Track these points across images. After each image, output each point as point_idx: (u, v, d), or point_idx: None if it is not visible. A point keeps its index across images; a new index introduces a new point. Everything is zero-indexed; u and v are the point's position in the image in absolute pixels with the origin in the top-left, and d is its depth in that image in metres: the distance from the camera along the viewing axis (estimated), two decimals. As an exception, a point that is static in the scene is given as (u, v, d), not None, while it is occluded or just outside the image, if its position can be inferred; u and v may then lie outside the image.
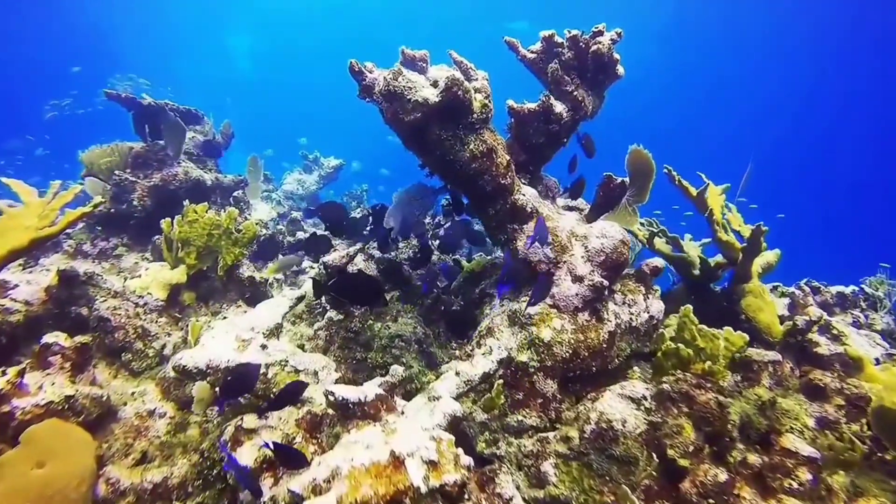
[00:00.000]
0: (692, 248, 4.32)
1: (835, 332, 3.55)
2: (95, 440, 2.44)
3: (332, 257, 2.97)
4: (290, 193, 8.24)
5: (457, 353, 3.14)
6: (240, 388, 2.27)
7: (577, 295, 2.92)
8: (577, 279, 2.95)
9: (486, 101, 2.77)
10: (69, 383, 2.56)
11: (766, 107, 36.62)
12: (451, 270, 3.73)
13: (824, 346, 3.35)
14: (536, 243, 2.98)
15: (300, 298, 2.89)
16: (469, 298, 3.53)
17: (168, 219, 3.58)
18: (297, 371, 2.58)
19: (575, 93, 3.18)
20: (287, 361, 2.59)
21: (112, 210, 4.52)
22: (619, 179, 3.32)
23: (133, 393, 2.94)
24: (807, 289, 4.07)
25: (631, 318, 3.13)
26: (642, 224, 4.03)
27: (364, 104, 2.80)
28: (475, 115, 2.74)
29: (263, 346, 2.62)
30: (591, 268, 3.01)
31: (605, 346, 2.92)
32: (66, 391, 2.47)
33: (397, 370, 2.63)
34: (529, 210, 3.03)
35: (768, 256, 3.58)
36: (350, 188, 9.22)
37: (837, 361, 3.26)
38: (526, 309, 2.87)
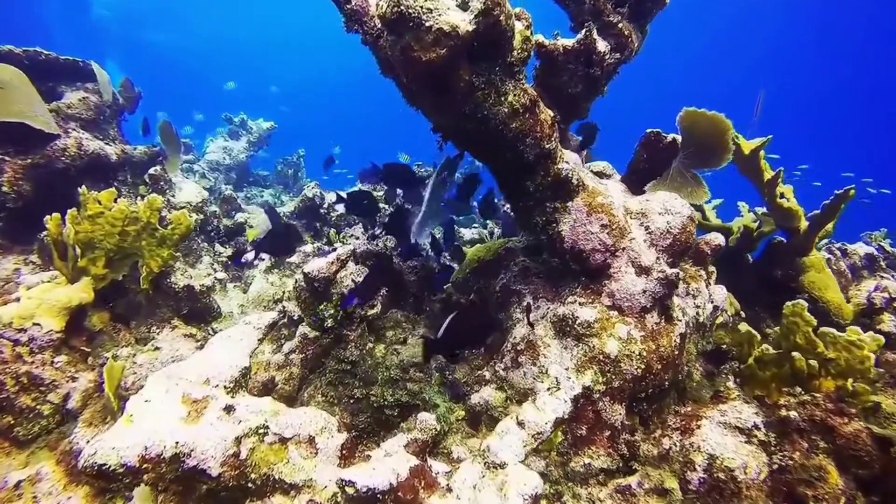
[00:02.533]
0: (712, 215, 3.79)
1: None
2: None
3: (316, 265, 2.10)
4: (215, 164, 7.01)
5: (485, 373, 2.40)
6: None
7: (644, 292, 2.24)
8: (643, 270, 2.26)
9: (528, 34, 1.95)
10: None
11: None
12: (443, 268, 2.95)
13: (888, 323, 2.91)
14: (588, 227, 2.25)
15: (272, 325, 2.02)
16: (483, 296, 2.77)
17: (56, 214, 2.50)
18: (283, 441, 1.73)
19: (620, 25, 2.42)
20: (267, 427, 1.74)
21: (-29, 201, 3.30)
22: (670, 137, 2.64)
23: (19, 481, 1.97)
24: (838, 253, 3.65)
25: (697, 313, 2.51)
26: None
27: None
28: (515, 53, 1.92)
29: (228, 408, 1.74)
30: (656, 254, 2.33)
31: (677, 353, 2.29)
32: None
33: (427, 421, 1.85)
34: (575, 182, 2.28)
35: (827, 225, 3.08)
36: (284, 154, 8.08)
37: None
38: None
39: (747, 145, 2.88)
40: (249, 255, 3.83)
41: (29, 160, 3.51)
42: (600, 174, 2.90)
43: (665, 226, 2.34)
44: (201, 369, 1.85)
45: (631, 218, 2.39)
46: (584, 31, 2.34)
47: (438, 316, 2.73)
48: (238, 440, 1.67)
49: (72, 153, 3.63)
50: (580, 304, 2.30)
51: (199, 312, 2.87)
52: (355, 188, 5.07)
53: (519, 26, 1.94)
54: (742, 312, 3.12)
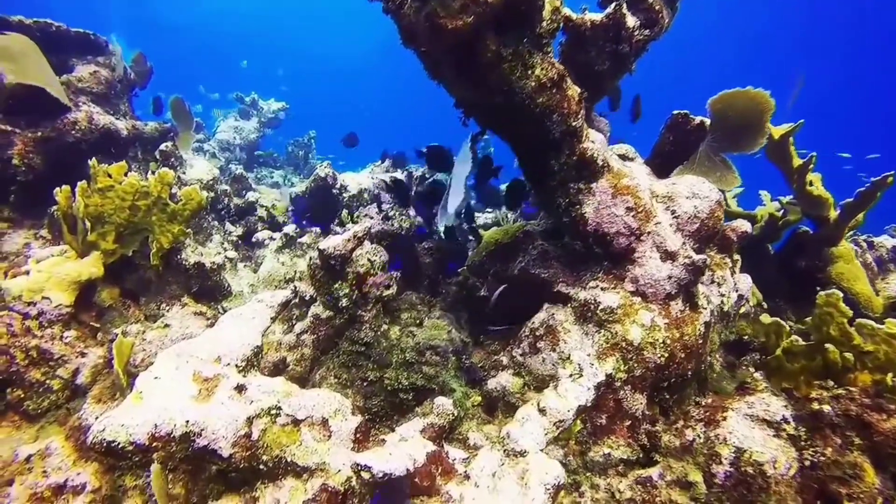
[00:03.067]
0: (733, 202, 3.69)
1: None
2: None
3: (332, 242, 2.03)
4: (226, 143, 6.96)
5: (502, 358, 2.34)
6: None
7: (668, 278, 2.15)
8: (668, 256, 2.18)
9: (558, 4, 1.86)
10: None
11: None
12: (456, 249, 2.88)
13: (917, 318, 2.80)
14: (613, 209, 2.17)
15: (285, 304, 1.95)
16: (500, 280, 2.70)
17: (66, 186, 2.45)
18: (295, 422, 1.68)
19: (651, 0, 2.31)
20: (279, 408, 1.68)
21: (-19, 173, 3.26)
22: (698, 119, 2.53)
23: (29, 456, 1.94)
24: (864, 244, 3.54)
25: (722, 302, 2.42)
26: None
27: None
28: (545, 25, 1.83)
29: (240, 388, 1.69)
30: (681, 239, 2.24)
31: (701, 342, 2.21)
32: None
33: (445, 406, 1.79)
34: (601, 163, 2.19)
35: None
36: (295, 135, 8.01)
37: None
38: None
39: (777, 130, 2.77)
40: (260, 235, 3.78)
41: (39, 133, 3.46)
42: (623, 157, 2.80)
43: (692, 210, 2.25)
44: (212, 347, 1.79)
45: (657, 201, 2.30)
46: (613, 6, 2.23)
47: (455, 299, 2.66)
48: (250, 420, 1.62)
49: (83, 127, 3.57)
50: (602, 289, 2.22)
51: (210, 290, 2.81)
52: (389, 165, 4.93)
53: (548, -5, 1.84)
54: (764, 303, 3.03)
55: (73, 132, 3.54)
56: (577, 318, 2.21)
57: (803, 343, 2.04)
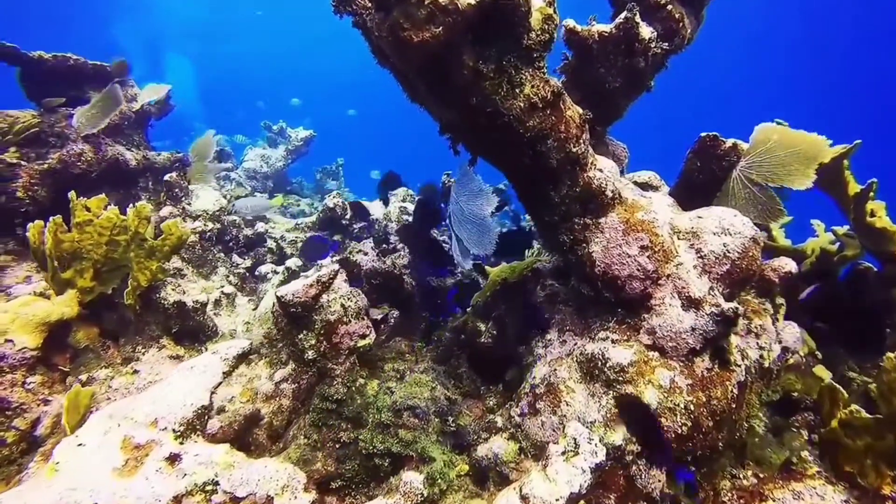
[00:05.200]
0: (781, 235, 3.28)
1: None
2: None
3: (292, 288, 1.80)
4: (252, 172, 6.96)
5: (497, 419, 2.03)
6: None
7: (692, 330, 1.81)
8: (692, 303, 1.84)
9: (551, 12, 1.60)
10: None
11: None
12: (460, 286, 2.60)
13: None
14: (625, 248, 1.85)
15: (241, 357, 1.73)
16: (503, 325, 2.40)
17: (38, 222, 2.33)
18: (235, 501, 1.43)
19: (670, 8, 2.02)
20: (217, 483, 1.44)
21: (-15, 205, 3.22)
22: (729, 142, 2.20)
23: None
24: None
25: (761, 356, 2.04)
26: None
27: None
28: (534, 36, 1.57)
29: (173, 458, 1.45)
30: (708, 283, 1.90)
31: (733, 406, 1.84)
32: None
33: (413, 484, 1.50)
34: (610, 195, 1.89)
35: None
36: (323, 164, 7.99)
37: None
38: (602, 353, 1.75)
39: (828, 152, 2.39)
40: (263, 268, 3.61)
41: (45, 165, 3.42)
42: (645, 185, 2.48)
43: (721, 249, 1.91)
44: (151, 408, 1.57)
45: (679, 238, 1.97)
46: (623, 15, 1.95)
47: (448, 348, 2.37)
48: (177, 500, 1.38)
49: (88, 158, 3.52)
50: (613, 341, 1.90)
51: (193, 331, 2.63)
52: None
53: (538, 2, 1.58)
54: (818, 353, 2.61)
55: (79, 164, 3.50)
56: (583, 374, 1.89)
57: (867, 416, 1.65)
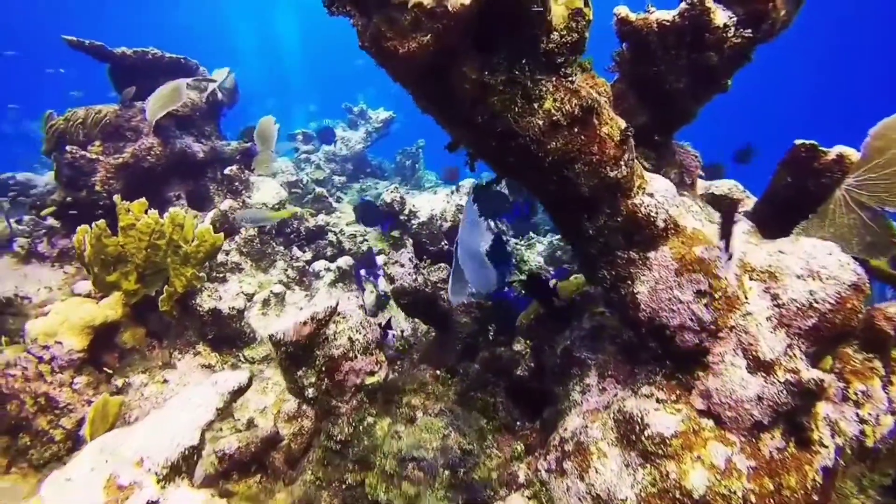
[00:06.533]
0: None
1: None
2: None
3: (282, 328, 1.66)
4: (332, 154, 7.02)
5: (519, 472, 1.79)
6: None
7: (758, 399, 1.45)
8: (760, 366, 1.47)
9: (580, 5, 1.28)
10: None
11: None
12: (512, 302, 2.35)
13: None
14: (676, 292, 1.51)
15: (238, 392, 1.64)
16: (541, 358, 2.14)
17: (84, 226, 2.39)
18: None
19: (757, -16, 1.58)
20: (188, 538, 1.35)
21: (68, 199, 3.44)
22: (833, 153, 1.73)
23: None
24: None
25: (862, 431, 1.62)
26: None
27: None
28: (556, 37, 1.27)
29: (147, 507, 1.38)
30: (786, 340, 1.50)
31: (815, 499, 1.46)
32: None
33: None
34: (662, 224, 1.54)
35: None
36: (403, 146, 7.90)
37: None
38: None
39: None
40: (317, 265, 3.57)
41: (120, 159, 3.59)
42: (722, 200, 2.06)
43: (806, 297, 1.50)
44: (141, 443, 1.52)
45: (750, 279, 1.58)
46: (692, -2, 1.56)
47: (483, 374, 2.15)
48: (144, 556, 1.31)
49: (157, 152, 3.64)
50: (658, 400, 1.58)
51: (230, 337, 2.63)
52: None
53: (564, -5, 1.27)
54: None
55: (149, 157, 3.63)
56: (619, 436, 1.60)
57: None
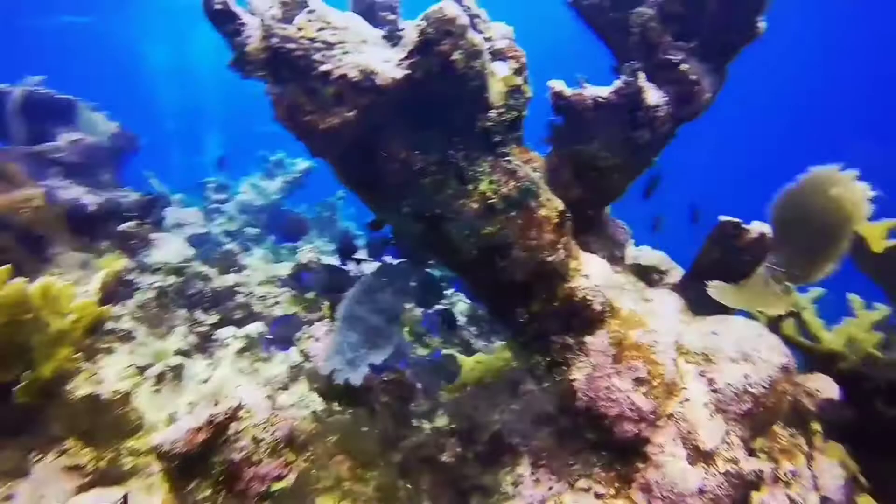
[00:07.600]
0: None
1: None
2: None
3: (171, 436, 1.38)
4: (245, 205, 6.63)
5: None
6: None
7: (700, 492, 1.37)
8: (701, 456, 1.40)
9: (519, 82, 1.21)
10: None
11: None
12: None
13: None
14: (615, 380, 1.43)
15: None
16: (472, 438, 1.98)
17: (-76, 297, 1.97)
18: None
19: (683, 67, 1.61)
20: None
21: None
22: (755, 232, 1.77)
23: None
24: None
25: (794, 516, 1.59)
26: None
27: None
28: (493, 115, 1.18)
29: None
30: (723, 426, 1.46)
31: None
32: None
33: None
34: (599, 308, 1.47)
35: None
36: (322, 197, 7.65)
37: None
38: None
39: (877, 236, 1.95)
40: (222, 332, 3.24)
41: (-11, 212, 3.11)
42: (650, 271, 2.06)
43: (741, 382, 1.47)
44: None
45: (686, 362, 1.54)
46: (623, 77, 1.56)
47: (398, 471, 1.95)
48: None
49: (38, 205, 3.20)
50: (597, 495, 1.47)
51: (109, 425, 2.25)
52: None
53: (502, 70, 1.20)
54: (860, 476, 2.13)
55: (27, 210, 3.17)
56: (558, 537, 1.46)
57: None
